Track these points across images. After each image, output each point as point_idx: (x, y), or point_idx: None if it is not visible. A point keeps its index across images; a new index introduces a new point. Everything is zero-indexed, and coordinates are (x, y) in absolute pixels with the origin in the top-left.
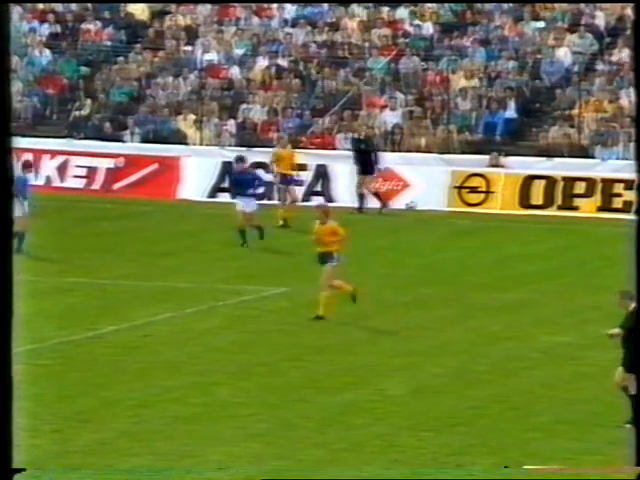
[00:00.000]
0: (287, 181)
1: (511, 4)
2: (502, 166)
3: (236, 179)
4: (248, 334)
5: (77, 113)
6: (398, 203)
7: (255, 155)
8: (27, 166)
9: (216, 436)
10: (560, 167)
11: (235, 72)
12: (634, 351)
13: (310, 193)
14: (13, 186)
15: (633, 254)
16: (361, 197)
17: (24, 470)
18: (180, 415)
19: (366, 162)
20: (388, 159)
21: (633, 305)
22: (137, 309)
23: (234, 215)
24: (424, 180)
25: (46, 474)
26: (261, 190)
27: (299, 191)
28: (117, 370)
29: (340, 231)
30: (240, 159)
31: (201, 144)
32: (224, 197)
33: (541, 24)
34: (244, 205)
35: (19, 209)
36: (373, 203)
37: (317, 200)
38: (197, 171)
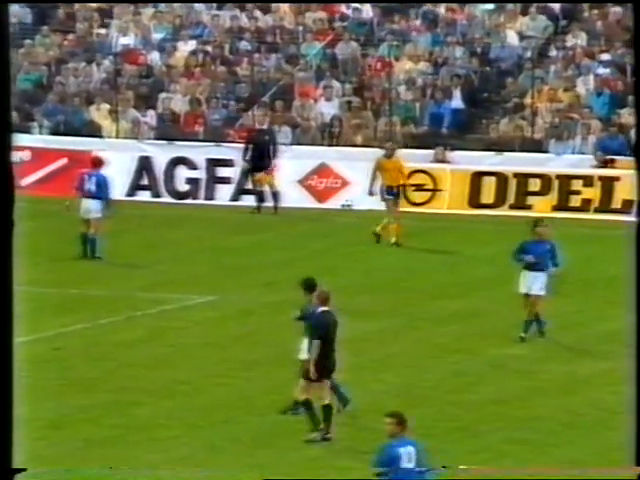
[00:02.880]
0: (393, 194)
1: None
2: (448, 161)
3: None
4: (170, 348)
5: None
6: (335, 203)
7: (177, 149)
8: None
9: (134, 461)
10: (512, 162)
11: (154, 58)
12: (321, 356)
13: (239, 192)
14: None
15: (633, 254)
16: (260, 195)
17: (25, 470)
18: (94, 437)
19: (263, 155)
20: (324, 154)
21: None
22: (46, 319)
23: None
24: (364, 177)
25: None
26: (109, 194)
27: (229, 190)
28: (24, 387)
29: None
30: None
31: (117, 137)
32: (144, 196)
33: (490, 6)
34: (89, 209)
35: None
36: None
37: (247, 200)
38: (113, 167)
